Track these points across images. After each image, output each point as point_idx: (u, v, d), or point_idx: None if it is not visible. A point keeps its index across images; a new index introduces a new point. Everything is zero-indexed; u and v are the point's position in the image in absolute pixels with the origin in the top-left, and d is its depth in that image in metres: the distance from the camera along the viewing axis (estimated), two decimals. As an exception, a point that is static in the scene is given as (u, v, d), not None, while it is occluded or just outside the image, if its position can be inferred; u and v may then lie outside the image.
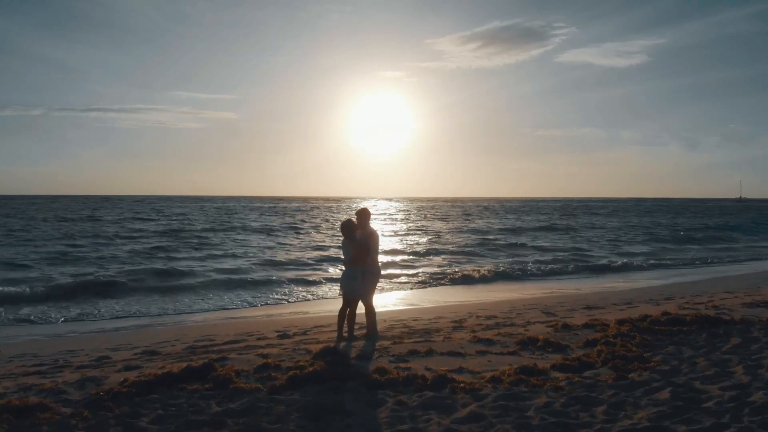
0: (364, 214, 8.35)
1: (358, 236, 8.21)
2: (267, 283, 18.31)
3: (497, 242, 33.44)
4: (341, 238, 8.42)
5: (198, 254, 26.32)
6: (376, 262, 8.30)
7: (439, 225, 53.26)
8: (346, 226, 8.22)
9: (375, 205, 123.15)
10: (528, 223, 57.90)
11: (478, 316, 11.00)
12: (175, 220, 55.02)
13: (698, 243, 36.13)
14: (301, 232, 42.70)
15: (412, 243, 33.29)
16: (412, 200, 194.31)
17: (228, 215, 67.45)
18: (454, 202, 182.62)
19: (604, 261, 25.06)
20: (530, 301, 14.56)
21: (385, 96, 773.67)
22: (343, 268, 8.35)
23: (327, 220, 60.04)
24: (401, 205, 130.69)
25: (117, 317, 13.52)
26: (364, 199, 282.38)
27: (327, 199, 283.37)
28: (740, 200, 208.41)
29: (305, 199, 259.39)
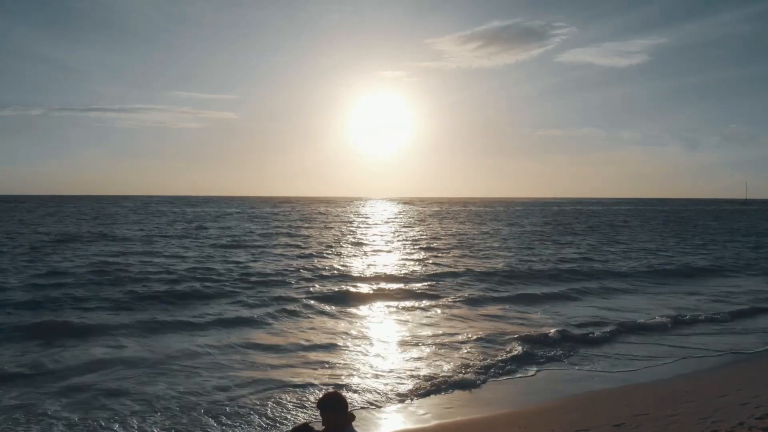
0: (334, 406, 4.69)
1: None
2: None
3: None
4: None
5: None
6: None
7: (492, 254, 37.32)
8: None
9: (363, 210, 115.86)
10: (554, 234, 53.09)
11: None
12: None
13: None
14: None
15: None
16: (412, 201, 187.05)
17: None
18: (452, 202, 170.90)
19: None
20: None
21: (385, 96, 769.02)
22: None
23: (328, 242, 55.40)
24: (414, 209, 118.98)
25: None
26: (363, 199, 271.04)
27: (326, 200, 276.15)
28: (746, 202, 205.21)
29: (305, 200, 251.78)
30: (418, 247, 35.49)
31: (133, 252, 30.49)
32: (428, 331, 17.11)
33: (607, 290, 24.91)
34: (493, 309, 20.67)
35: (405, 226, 56.68)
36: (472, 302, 21.67)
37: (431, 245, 36.43)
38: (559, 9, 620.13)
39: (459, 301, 21.84)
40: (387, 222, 58.17)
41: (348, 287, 23.68)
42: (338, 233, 38.03)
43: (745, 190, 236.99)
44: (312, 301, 20.75)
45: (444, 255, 32.79)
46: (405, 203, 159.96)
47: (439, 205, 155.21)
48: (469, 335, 16.52)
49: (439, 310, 20.28)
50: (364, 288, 23.87)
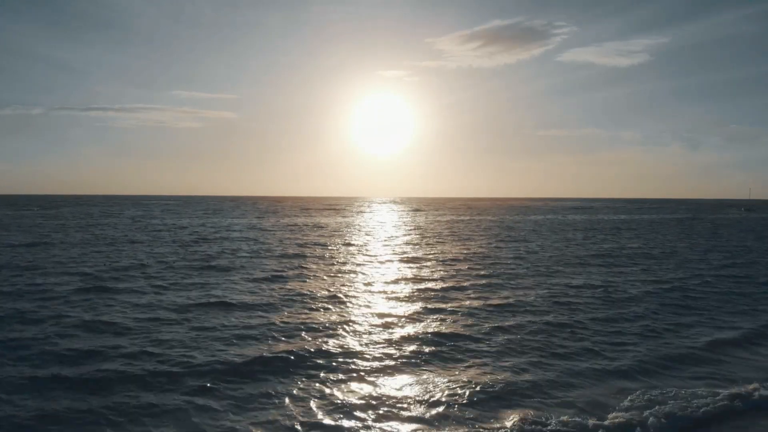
0: None
1: None
2: None
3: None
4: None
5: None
6: None
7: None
8: None
9: (370, 222, 74.69)
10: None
11: None
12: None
13: None
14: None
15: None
16: (419, 206, 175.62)
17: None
18: (458, 205, 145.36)
19: None
20: None
21: (386, 95, 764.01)
22: None
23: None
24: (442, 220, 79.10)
25: None
26: (364, 200, 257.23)
27: (326, 200, 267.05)
28: (749, 208, 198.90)
29: (306, 200, 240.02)
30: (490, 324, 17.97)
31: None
32: None
33: None
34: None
35: (437, 262, 39.61)
36: None
37: (509, 322, 16.41)
38: (560, 9, 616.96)
39: None
40: (407, 257, 33.95)
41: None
42: (349, 290, 24.14)
43: (749, 192, 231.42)
44: None
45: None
46: (414, 210, 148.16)
47: (452, 211, 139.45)
48: None
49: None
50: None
